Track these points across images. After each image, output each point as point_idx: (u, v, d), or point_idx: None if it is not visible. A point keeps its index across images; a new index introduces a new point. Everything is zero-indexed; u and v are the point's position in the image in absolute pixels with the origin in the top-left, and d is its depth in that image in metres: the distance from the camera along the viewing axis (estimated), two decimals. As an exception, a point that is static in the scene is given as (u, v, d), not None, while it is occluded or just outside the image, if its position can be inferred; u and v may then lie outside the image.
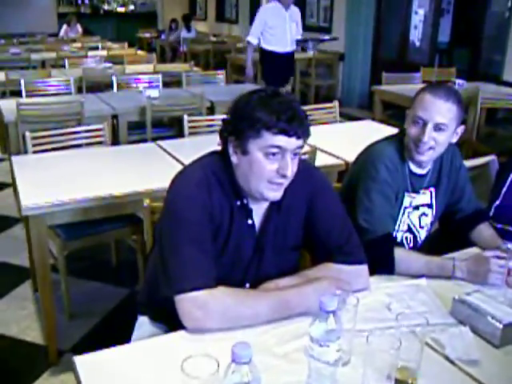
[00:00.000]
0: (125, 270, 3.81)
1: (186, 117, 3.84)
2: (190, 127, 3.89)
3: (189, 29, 12.05)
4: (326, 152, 3.37)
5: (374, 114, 6.14)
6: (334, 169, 3.17)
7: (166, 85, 6.21)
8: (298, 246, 1.86)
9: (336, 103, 4.48)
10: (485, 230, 2.25)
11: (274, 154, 1.59)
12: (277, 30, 6.25)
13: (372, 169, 2.06)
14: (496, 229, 2.27)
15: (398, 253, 1.96)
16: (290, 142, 1.59)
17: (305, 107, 4.46)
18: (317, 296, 1.63)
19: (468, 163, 2.90)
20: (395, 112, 6.14)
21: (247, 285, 1.77)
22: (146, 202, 2.23)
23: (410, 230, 2.24)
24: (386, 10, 8.67)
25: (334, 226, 1.80)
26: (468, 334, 1.59)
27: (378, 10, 8.66)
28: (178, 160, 3.16)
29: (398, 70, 7.09)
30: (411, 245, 2.26)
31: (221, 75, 6.22)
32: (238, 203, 1.71)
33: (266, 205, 1.76)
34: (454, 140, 2.11)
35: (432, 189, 2.23)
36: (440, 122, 2.00)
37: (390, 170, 2.05)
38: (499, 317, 1.60)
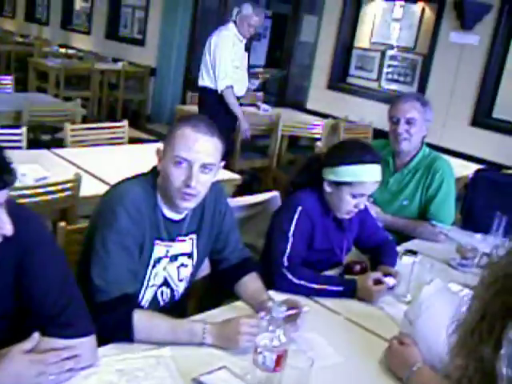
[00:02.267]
0: None
1: None
2: None
3: (-12, 25, 10.87)
4: (98, 179, 2.97)
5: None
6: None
7: None
8: (8, 315, 1.46)
9: (125, 123, 4.10)
10: (250, 282, 2.00)
11: None
12: (239, 68, 5.07)
13: (111, 215, 1.70)
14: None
15: (138, 317, 1.62)
16: None
17: (91, 125, 4.06)
18: (13, 381, 1.30)
19: (249, 200, 2.70)
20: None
21: None
22: None
23: (166, 283, 1.92)
24: (202, 29, 8.48)
25: (48, 291, 1.43)
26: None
27: (194, 28, 8.45)
28: None
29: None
30: (167, 300, 1.94)
31: (7, 80, 5.54)
32: None
33: None
34: (215, 179, 1.84)
35: (192, 236, 1.93)
36: (208, 162, 1.73)
37: (133, 217, 1.71)
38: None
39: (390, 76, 6.30)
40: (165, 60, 8.57)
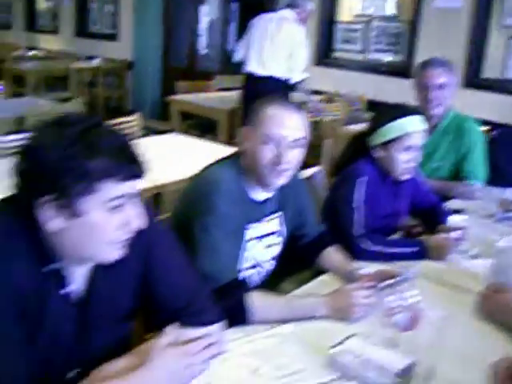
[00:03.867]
0: None
1: None
2: None
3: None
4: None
5: (171, 124, 5.83)
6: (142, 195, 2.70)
7: None
8: (134, 313, 1.46)
9: (137, 116, 4.05)
10: (334, 254, 2.04)
11: (117, 207, 1.20)
12: None
13: (209, 203, 1.70)
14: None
15: (252, 298, 1.63)
16: (134, 186, 1.22)
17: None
18: (167, 377, 1.25)
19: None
20: (194, 122, 5.94)
21: (74, 372, 1.31)
22: None
23: (257, 264, 1.93)
24: (175, 18, 8.41)
25: (175, 283, 1.44)
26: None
27: (167, 17, 8.35)
28: None
29: (189, 78, 6.88)
30: (258, 281, 1.96)
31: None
32: (48, 269, 1.23)
33: (89, 265, 1.32)
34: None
35: (279, 213, 1.95)
36: (298, 136, 1.76)
37: (231, 201, 1.72)
38: (387, 364, 1.36)
39: (376, 46, 6.35)
40: (141, 52, 8.48)
